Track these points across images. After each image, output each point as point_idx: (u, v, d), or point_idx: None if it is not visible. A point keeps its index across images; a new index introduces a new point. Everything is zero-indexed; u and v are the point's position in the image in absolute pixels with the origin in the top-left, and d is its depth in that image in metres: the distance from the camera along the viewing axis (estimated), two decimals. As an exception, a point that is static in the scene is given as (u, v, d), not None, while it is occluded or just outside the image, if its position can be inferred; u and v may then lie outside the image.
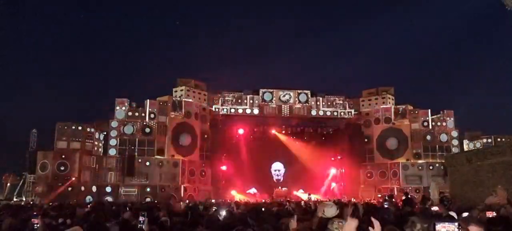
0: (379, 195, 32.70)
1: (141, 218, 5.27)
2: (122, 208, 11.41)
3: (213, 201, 27.86)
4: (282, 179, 41.42)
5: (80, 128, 30.77)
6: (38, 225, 5.22)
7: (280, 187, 39.11)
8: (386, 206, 10.57)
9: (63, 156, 29.42)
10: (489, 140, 35.68)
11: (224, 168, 37.95)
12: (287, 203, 15.47)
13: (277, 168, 42.01)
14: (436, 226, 3.37)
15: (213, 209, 10.35)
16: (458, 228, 3.30)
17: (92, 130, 31.90)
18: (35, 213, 7.46)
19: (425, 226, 3.75)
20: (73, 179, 29.28)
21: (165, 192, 31.70)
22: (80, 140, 30.57)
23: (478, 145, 35.54)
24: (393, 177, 35.88)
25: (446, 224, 3.38)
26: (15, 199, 32.35)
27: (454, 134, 35.95)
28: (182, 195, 32.11)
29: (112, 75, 69.31)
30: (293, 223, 4.43)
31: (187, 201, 29.18)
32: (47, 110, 51.78)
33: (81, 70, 67.54)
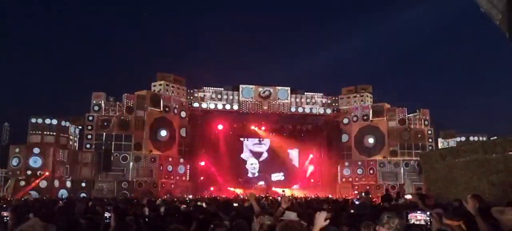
0: (356, 192, 33.17)
1: (107, 214, 5.07)
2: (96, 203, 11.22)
3: (190, 196, 27.73)
4: (257, 173, 41.28)
5: (54, 121, 30.03)
6: (8, 218, 5.08)
7: (258, 183, 39.16)
8: (356, 202, 10.74)
9: (37, 150, 28.67)
10: (463, 139, 36.63)
11: (202, 163, 37.74)
12: (264, 199, 15.50)
13: (252, 162, 41.74)
14: (409, 216, 3.42)
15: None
16: (429, 217, 3.36)
17: (67, 123, 31.19)
18: (5, 206, 7.29)
19: (398, 220, 3.80)
20: (47, 173, 28.60)
21: (143, 188, 31.38)
22: (54, 134, 29.85)
23: (452, 143, 36.42)
24: (370, 174, 36.51)
25: (418, 213, 3.44)
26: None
27: (429, 132, 36.74)
28: (159, 190, 31.84)
29: (89, 68, 67.86)
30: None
31: (166, 196, 28.97)
32: (20, 104, 50.37)
33: (56, 63, 65.82)
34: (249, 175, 41.17)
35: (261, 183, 39.41)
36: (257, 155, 41.64)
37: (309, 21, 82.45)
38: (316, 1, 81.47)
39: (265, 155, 41.72)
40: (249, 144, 41.65)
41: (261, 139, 41.26)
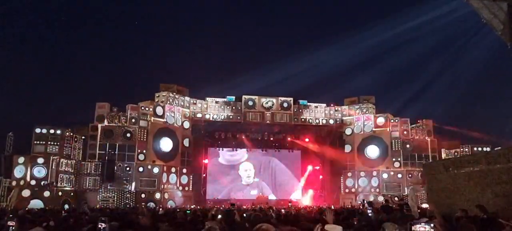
0: (359, 202, 33.04)
1: (101, 225, 5.04)
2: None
3: (192, 207, 27.74)
4: (252, 181, 41.06)
5: (58, 131, 30.18)
6: (13, 228, 5.16)
7: (261, 193, 39.05)
8: (369, 212, 10.75)
9: (41, 160, 28.77)
10: (466, 149, 36.53)
11: (204, 175, 37.84)
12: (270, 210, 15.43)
13: (247, 168, 41.39)
14: (412, 227, 3.47)
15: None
16: (433, 228, 3.41)
17: (71, 134, 31.36)
18: (11, 215, 7.36)
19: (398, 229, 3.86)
20: (51, 183, 28.63)
21: (146, 198, 31.38)
22: (58, 144, 29.97)
23: (456, 154, 36.32)
24: (373, 185, 36.41)
25: (421, 224, 3.50)
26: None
27: (433, 142, 36.66)
28: (162, 201, 31.85)
29: (93, 79, 68.27)
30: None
31: (169, 206, 28.99)
32: (24, 114, 50.57)
33: (60, 74, 66.24)
34: (243, 182, 40.86)
35: (254, 192, 39.13)
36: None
37: (312, 32, 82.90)
38: (318, 13, 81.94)
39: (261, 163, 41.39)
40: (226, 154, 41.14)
41: (263, 150, 41.18)
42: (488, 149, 32.85)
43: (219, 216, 8.52)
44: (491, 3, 12.03)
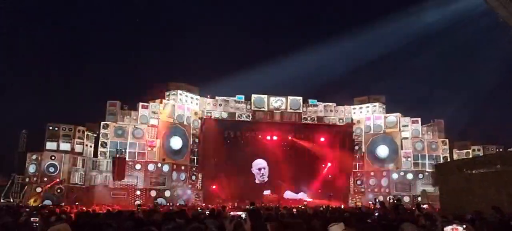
0: (370, 202, 32.86)
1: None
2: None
3: (203, 205, 27.83)
4: (266, 179, 40.91)
5: (70, 129, 30.52)
6: (37, 224, 5.27)
7: (264, 192, 38.74)
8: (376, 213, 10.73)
9: (53, 157, 29.13)
10: (479, 149, 36.09)
11: (214, 173, 37.84)
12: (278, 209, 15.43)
13: (262, 166, 41.24)
14: (445, 229, 3.46)
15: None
16: (465, 229, 3.40)
17: (83, 131, 31.68)
18: (34, 212, 7.53)
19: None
20: (57, 180, 28.95)
21: (155, 196, 31.54)
22: (70, 141, 30.31)
23: (467, 154, 35.93)
24: (383, 185, 36.12)
25: (454, 226, 3.48)
26: (2, 200, 31.91)
27: (444, 143, 36.28)
28: (172, 199, 31.98)
29: (104, 77, 68.76)
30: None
31: (178, 204, 29.13)
32: (37, 111, 51.10)
33: (72, 72, 66.81)
34: (257, 181, 40.81)
35: (267, 192, 38.91)
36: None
37: (322, 31, 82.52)
38: (327, 12, 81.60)
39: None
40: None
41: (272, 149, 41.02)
42: (500, 149, 32.50)
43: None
44: (508, 1, 11.86)
